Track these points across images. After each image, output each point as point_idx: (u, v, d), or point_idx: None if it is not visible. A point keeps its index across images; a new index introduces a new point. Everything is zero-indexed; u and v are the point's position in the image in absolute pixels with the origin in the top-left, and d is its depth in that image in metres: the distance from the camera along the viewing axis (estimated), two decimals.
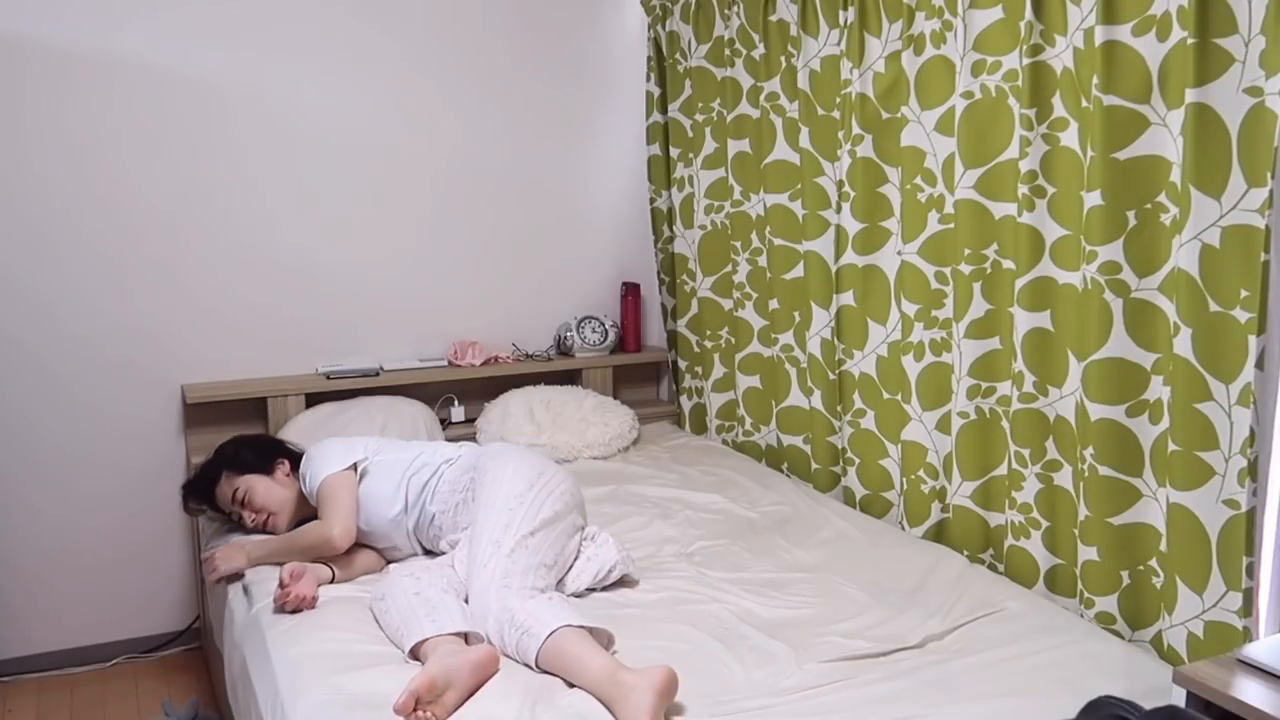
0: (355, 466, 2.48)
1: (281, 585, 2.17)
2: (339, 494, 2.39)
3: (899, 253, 2.63)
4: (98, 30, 2.90)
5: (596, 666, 1.78)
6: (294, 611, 2.15)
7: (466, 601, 2.10)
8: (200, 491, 2.63)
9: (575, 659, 1.81)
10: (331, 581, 2.31)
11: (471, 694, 1.78)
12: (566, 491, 2.31)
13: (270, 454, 2.64)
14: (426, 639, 1.91)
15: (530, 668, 1.88)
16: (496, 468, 2.31)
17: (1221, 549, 1.87)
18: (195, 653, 3.19)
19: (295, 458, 2.65)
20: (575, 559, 2.29)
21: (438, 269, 3.44)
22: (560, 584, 2.23)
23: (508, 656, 1.92)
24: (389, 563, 2.46)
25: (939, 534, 2.62)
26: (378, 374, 3.28)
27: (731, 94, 3.20)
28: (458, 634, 1.94)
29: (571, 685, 1.82)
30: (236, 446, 2.66)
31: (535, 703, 1.75)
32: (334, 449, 2.52)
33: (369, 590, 2.24)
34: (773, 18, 2.98)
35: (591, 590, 2.25)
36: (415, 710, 1.68)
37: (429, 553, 2.47)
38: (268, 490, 2.55)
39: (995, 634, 2.03)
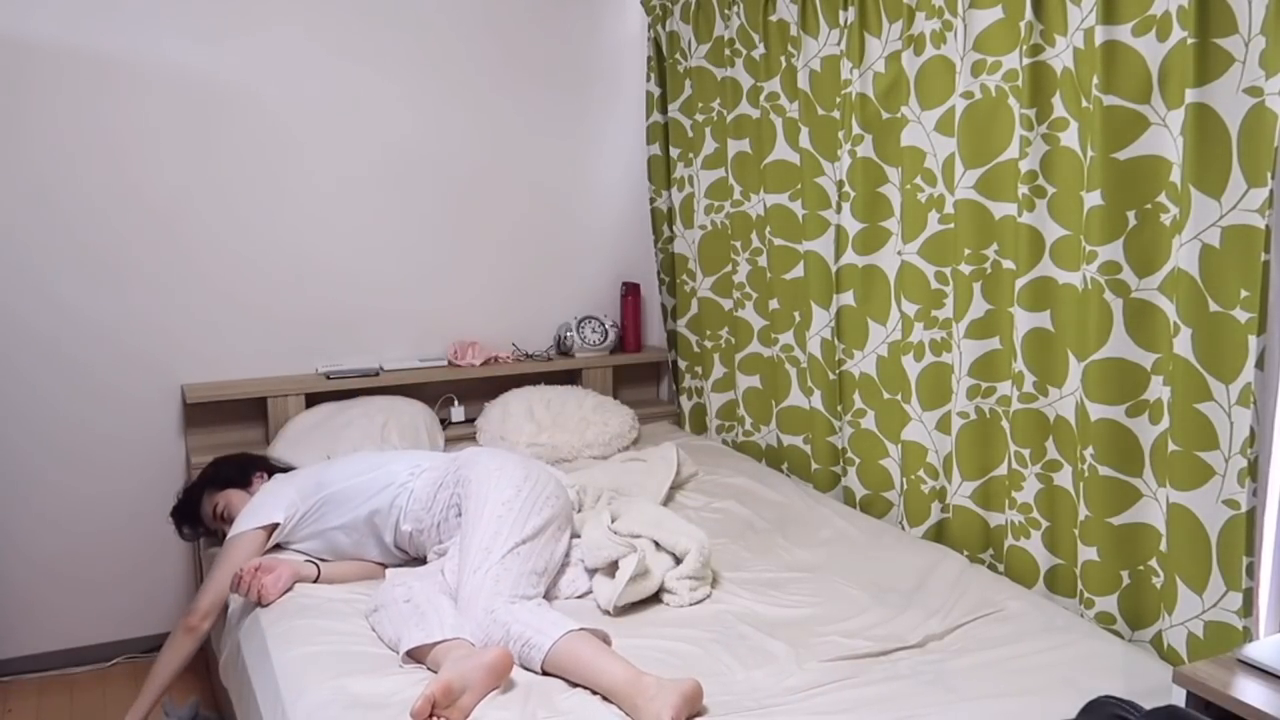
0: (278, 525, 2.40)
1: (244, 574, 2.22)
2: (225, 560, 2.32)
3: (899, 253, 2.63)
4: (99, 31, 2.90)
5: (617, 670, 1.77)
6: (256, 599, 2.21)
7: None
8: (187, 513, 2.65)
9: (590, 663, 1.81)
10: (315, 581, 2.31)
11: (484, 696, 1.77)
12: (553, 494, 2.30)
13: (248, 469, 2.66)
14: (417, 646, 1.91)
15: (533, 672, 1.88)
16: (480, 478, 2.28)
17: (1221, 549, 1.88)
18: (195, 653, 3.18)
19: (275, 470, 2.67)
20: (566, 565, 2.29)
21: (438, 269, 3.44)
22: (554, 588, 2.23)
23: None
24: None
25: (939, 534, 2.62)
26: (378, 374, 3.28)
27: (731, 94, 3.21)
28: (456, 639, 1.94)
29: (574, 685, 1.83)
30: (216, 465, 2.69)
31: (536, 707, 1.75)
32: (271, 497, 2.45)
33: (369, 593, 2.24)
34: (773, 18, 2.98)
35: (590, 593, 2.25)
36: (431, 716, 1.67)
37: (418, 559, 2.46)
38: (245, 504, 2.55)
39: (995, 634, 2.03)
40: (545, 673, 1.86)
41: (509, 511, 2.18)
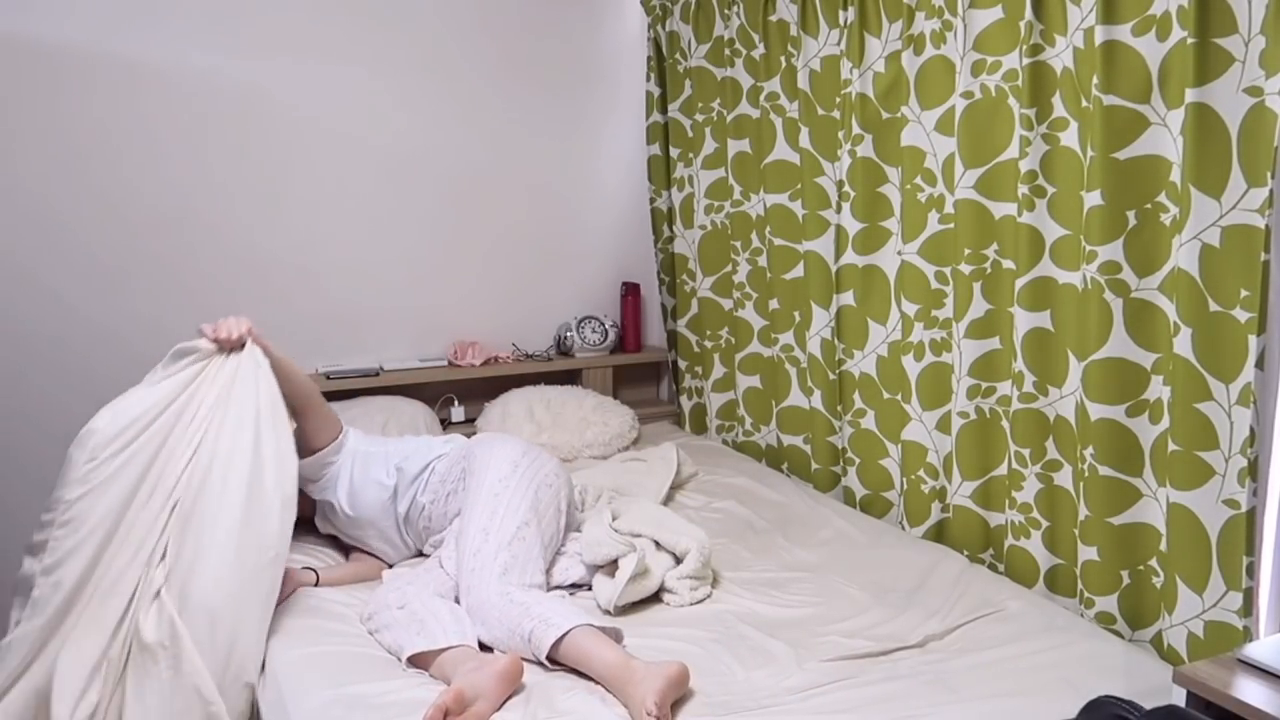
0: (345, 431, 2.55)
1: None
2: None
3: (899, 253, 2.63)
4: (103, 31, 2.90)
5: (611, 656, 1.81)
6: None
7: (458, 600, 2.10)
8: None
9: (589, 650, 1.84)
10: (316, 585, 2.31)
11: (500, 704, 1.77)
12: (553, 473, 2.35)
13: None
14: (420, 652, 1.91)
15: (542, 664, 1.89)
16: (483, 453, 2.36)
17: (1221, 549, 1.88)
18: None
19: None
20: (561, 554, 2.31)
21: (438, 269, 3.44)
22: (548, 572, 2.24)
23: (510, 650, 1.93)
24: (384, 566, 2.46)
25: (939, 534, 2.62)
26: (378, 374, 3.28)
27: (731, 94, 3.20)
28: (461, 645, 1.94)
29: (581, 675, 1.84)
30: None
31: (537, 707, 1.76)
32: None
33: (369, 595, 2.24)
34: (773, 18, 2.98)
35: (578, 587, 2.26)
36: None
37: (419, 554, 2.47)
38: None
39: (995, 634, 2.03)
40: (550, 658, 1.88)
41: (505, 489, 2.22)
